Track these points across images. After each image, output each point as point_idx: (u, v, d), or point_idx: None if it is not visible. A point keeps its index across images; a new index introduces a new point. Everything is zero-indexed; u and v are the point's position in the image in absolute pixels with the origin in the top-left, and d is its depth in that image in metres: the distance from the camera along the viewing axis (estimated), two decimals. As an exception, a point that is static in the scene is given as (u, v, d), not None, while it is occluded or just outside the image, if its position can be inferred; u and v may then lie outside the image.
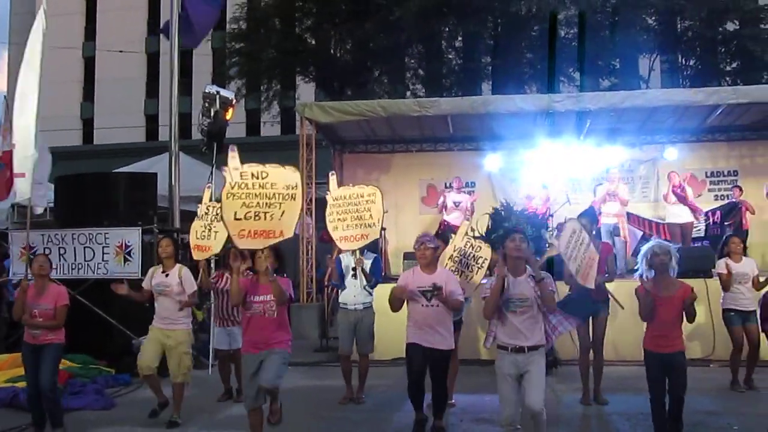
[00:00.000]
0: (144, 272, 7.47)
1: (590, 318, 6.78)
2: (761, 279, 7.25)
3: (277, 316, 5.12)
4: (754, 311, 7.23)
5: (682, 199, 11.55)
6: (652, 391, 5.17)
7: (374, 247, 7.76)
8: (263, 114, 24.04)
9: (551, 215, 11.30)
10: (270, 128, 25.43)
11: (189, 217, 7.63)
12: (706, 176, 13.07)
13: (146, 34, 31.54)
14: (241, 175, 4.94)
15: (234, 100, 10.51)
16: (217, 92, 9.85)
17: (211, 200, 7.28)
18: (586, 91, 13.81)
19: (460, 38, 19.66)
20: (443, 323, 5.73)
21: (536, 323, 4.74)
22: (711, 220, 11.78)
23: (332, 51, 20.19)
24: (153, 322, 6.47)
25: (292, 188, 4.95)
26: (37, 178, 7.02)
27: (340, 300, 7.21)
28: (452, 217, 11.86)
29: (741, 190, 11.83)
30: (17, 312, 6.05)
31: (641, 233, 12.24)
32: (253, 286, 5.14)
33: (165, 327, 6.38)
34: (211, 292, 7.58)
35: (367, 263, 6.91)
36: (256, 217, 4.90)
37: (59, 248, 8.72)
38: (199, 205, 7.26)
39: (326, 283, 10.59)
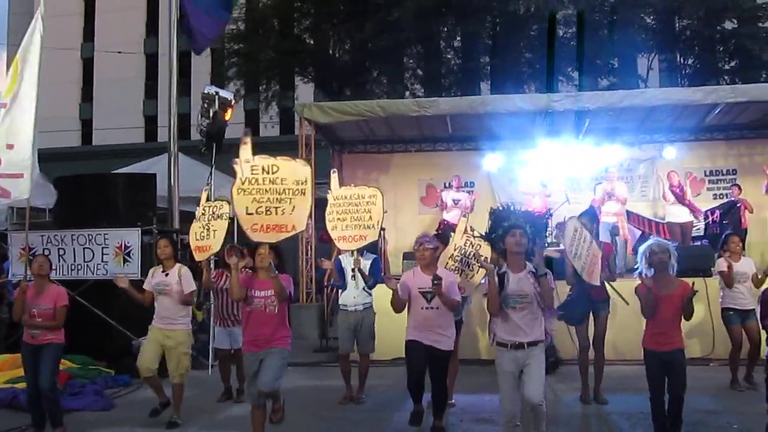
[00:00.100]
0: (144, 273, 7.48)
1: (590, 317, 6.79)
2: (759, 276, 7.26)
3: (278, 312, 5.13)
4: (753, 310, 7.23)
5: (681, 199, 11.56)
6: (652, 390, 5.18)
7: (373, 248, 7.77)
8: (262, 115, 24.04)
9: (551, 215, 11.31)
10: (269, 129, 25.44)
11: (188, 217, 7.62)
12: (705, 175, 13.08)
13: (145, 35, 31.56)
14: (252, 170, 4.95)
15: (233, 101, 10.51)
16: (216, 93, 9.85)
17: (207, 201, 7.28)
18: (584, 91, 13.79)
19: (458, 38, 19.66)
20: (444, 325, 5.71)
21: (535, 319, 4.75)
22: (710, 219, 11.79)
23: (331, 51, 20.18)
24: (153, 322, 6.47)
25: (302, 183, 4.99)
26: (36, 178, 7.02)
27: (340, 302, 7.21)
28: (452, 216, 11.86)
29: (740, 188, 11.82)
30: (17, 312, 6.05)
31: (640, 232, 12.25)
32: (252, 282, 5.15)
33: (164, 327, 6.38)
34: (211, 292, 7.59)
35: (367, 263, 6.91)
36: (268, 212, 4.95)
37: (58, 249, 8.72)
38: (197, 208, 7.24)
39: (326, 283, 10.59)
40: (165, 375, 6.51)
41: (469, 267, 6.25)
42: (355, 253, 6.64)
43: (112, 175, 11.22)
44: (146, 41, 31.27)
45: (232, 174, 5.09)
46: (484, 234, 6.78)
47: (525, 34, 18.61)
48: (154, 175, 10.00)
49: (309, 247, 11.25)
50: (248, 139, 5.03)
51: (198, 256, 6.75)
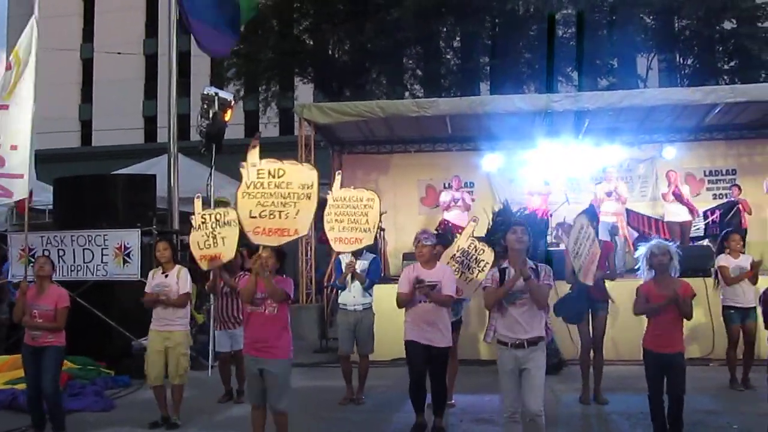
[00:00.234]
0: (143, 274, 7.47)
1: (590, 316, 6.79)
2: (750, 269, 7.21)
3: (278, 314, 5.12)
4: (754, 308, 7.24)
5: (680, 198, 11.56)
6: (651, 390, 5.19)
7: (373, 248, 7.77)
8: (262, 115, 24.03)
9: (551, 215, 11.31)
10: (269, 129, 25.41)
11: (188, 218, 7.60)
12: (705, 175, 13.08)
13: (144, 36, 31.55)
14: (258, 174, 4.95)
15: (233, 102, 10.51)
16: (216, 94, 9.86)
17: (205, 209, 7.24)
18: (584, 91, 13.79)
19: (458, 38, 19.67)
20: (441, 320, 5.79)
21: (535, 316, 4.76)
22: (710, 219, 11.77)
23: (330, 52, 20.18)
24: (151, 325, 6.45)
25: (308, 187, 4.98)
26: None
27: (339, 301, 7.23)
28: (452, 215, 11.85)
29: (740, 189, 11.82)
30: (17, 314, 6.05)
31: (637, 234, 12.19)
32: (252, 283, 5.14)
33: (162, 329, 6.37)
34: (211, 294, 7.58)
35: (366, 264, 6.95)
36: (271, 216, 4.95)
37: (58, 250, 8.71)
38: (192, 217, 7.19)
39: (325, 284, 10.59)
40: (165, 376, 6.50)
41: (468, 269, 6.29)
42: (349, 256, 6.67)
43: (112, 175, 11.22)
44: (146, 42, 31.25)
45: (235, 176, 5.09)
46: (484, 234, 6.82)
47: (524, 35, 18.61)
48: (154, 176, 10.00)
49: (309, 248, 11.25)
50: (257, 143, 5.03)
51: (207, 265, 6.72)
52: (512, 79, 17.69)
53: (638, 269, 5.49)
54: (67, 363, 7.68)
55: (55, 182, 10.05)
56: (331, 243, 6.71)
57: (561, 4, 17.79)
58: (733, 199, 11.77)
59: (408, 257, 9.35)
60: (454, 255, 6.35)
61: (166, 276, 6.44)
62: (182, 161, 10.89)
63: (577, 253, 5.95)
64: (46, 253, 8.23)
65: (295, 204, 4.95)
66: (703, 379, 7.34)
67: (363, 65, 19.73)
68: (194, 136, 13.37)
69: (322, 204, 6.76)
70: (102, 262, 8.70)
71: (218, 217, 6.41)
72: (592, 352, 6.81)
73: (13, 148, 6.58)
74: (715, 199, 12.65)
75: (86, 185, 9.82)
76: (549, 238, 10.43)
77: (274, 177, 4.97)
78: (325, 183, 6.99)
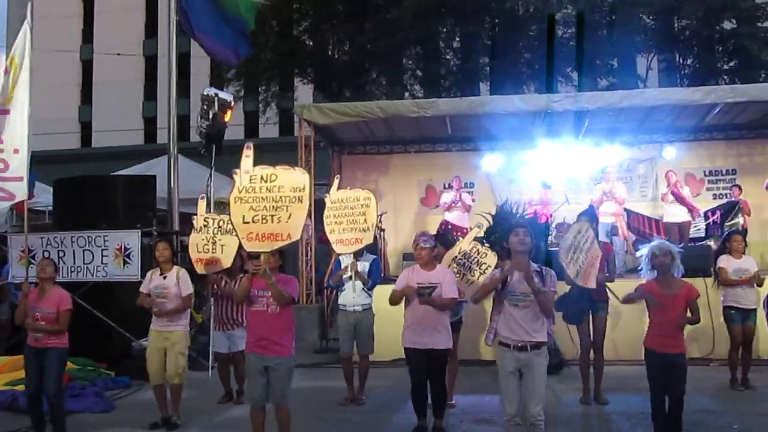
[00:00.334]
0: (143, 275, 7.46)
1: (590, 317, 6.79)
2: (760, 276, 7.24)
3: (280, 313, 5.11)
4: (754, 309, 7.24)
5: (680, 199, 11.55)
6: (652, 390, 5.19)
7: (373, 248, 7.78)
8: (261, 116, 24.03)
9: (551, 215, 11.31)
10: (268, 130, 25.43)
11: (188, 219, 7.61)
12: (705, 175, 13.07)
13: (144, 37, 31.54)
14: (251, 179, 4.95)
15: (232, 102, 10.52)
16: (216, 94, 9.87)
17: (208, 211, 7.24)
18: (584, 91, 13.79)
19: (457, 39, 19.66)
20: (440, 321, 5.78)
21: (537, 319, 4.75)
22: (711, 219, 11.76)
23: (330, 52, 20.19)
24: (151, 325, 6.47)
25: (300, 191, 4.95)
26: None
27: (339, 301, 7.23)
28: (453, 216, 11.85)
29: (740, 189, 11.82)
30: (19, 316, 6.05)
31: (635, 237, 12.15)
32: (253, 282, 5.13)
33: (162, 329, 6.38)
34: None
35: (366, 264, 6.95)
36: (264, 221, 4.92)
37: (58, 251, 8.70)
38: (194, 218, 7.20)
39: (325, 284, 10.59)
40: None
41: (470, 271, 6.30)
42: (351, 257, 6.67)
43: (112, 176, 11.23)
44: (145, 43, 31.25)
45: (232, 179, 5.09)
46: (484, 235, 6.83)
47: (524, 35, 18.61)
48: (154, 176, 9.99)
49: (309, 249, 11.25)
50: (250, 152, 5.02)
51: (204, 269, 6.70)
52: (512, 80, 17.70)
53: (640, 269, 5.48)
54: (68, 364, 7.70)
55: (55, 183, 10.05)
56: (333, 246, 6.75)
57: (561, 4, 17.80)
58: (733, 199, 11.76)
59: (408, 258, 9.35)
60: (456, 257, 6.36)
61: (164, 278, 6.44)
62: (182, 162, 10.90)
63: (573, 259, 5.89)
64: (46, 254, 8.23)
65: (287, 208, 4.92)
66: (703, 379, 7.33)
67: (363, 66, 19.73)
68: (194, 137, 13.37)
69: (322, 205, 6.79)
70: (102, 263, 8.70)
71: (221, 223, 6.40)
72: (592, 352, 6.82)
73: (16, 151, 6.61)
74: (715, 199, 12.64)
75: (86, 186, 9.82)
76: (550, 239, 10.43)
77: (266, 182, 4.95)
78: (325, 183, 7.02)
